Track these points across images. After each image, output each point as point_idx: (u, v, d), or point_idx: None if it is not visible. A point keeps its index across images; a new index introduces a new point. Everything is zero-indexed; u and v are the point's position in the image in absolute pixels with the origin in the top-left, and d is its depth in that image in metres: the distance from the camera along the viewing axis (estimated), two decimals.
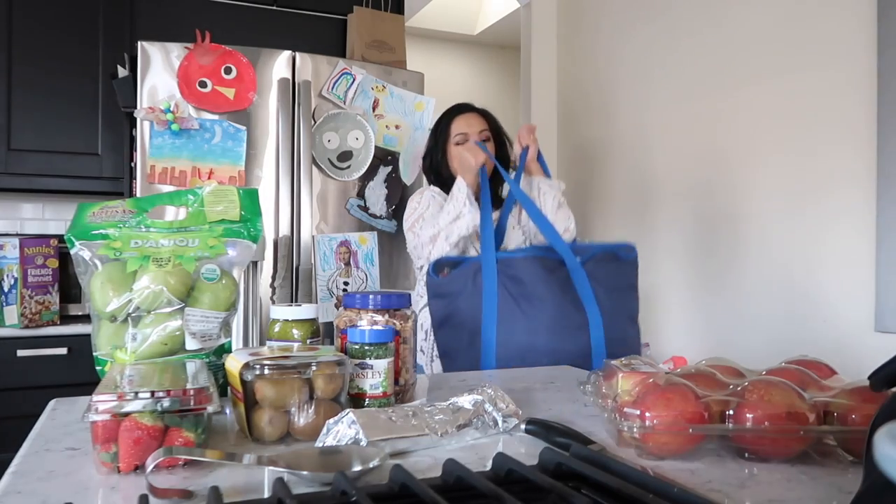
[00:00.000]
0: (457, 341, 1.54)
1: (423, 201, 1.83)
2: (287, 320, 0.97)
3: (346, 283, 2.33)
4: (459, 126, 1.82)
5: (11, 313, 2.21)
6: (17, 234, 2.51)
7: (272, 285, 2.22)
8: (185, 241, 0.97)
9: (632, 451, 0.73)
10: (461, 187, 1.69)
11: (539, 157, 1.78)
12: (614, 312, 1.55)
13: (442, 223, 1.69)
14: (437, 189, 1.87)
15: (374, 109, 2.39)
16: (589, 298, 1.53)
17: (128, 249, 0.94)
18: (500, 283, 1.51)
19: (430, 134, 1.94)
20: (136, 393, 0.68)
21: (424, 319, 1.72)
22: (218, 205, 1.01)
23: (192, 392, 0.70)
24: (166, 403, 0.68)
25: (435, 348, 1.64)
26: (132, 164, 2.31)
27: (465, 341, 1.53)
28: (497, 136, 1.89)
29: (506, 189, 1.87)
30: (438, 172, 1.88)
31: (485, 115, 1.88)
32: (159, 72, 2.14)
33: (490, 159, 1.74)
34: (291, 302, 2.24)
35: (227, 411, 0.89)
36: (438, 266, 1.60)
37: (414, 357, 1.04)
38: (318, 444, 0.73)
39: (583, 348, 1.50)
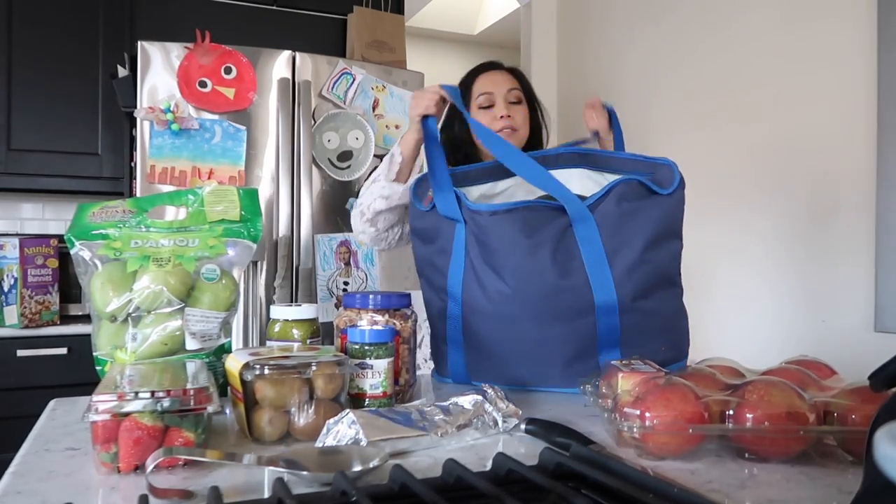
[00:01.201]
0: (435, 301, 1.16)
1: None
2: (287, 320, 0.97)
3: (346, 283, 2.33)
4: (483, 85, 1.44)
5: (11, 313, 2.21)
6: (17, 234, 2.51)
7: (272, 285, 2.22)
8: (185, 241, 0.97)
9: (632, 452, 0.73)
10: (395, 146, 1.35)
11: (613, 123, 1.33)
12: (643, 283, 1.03)
13: (363, 190, 1.38)
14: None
15: (374, 109, 2.39)
16: (599, 263, 1.01)
17: (128, 249, 0.94)
18: (467, 243, 1.08)
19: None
20: (136, 393, 0.68)
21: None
22: (218, 205, 1.01)
23: (192, 392, 0.70)
24: (166, 403, 0.68)
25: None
26: (132, 164, 2.31)
27: (440, 307, 1.14)
28: (530, 101, 1.49)
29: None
30: (458, 147, 1.46)
31: (515, 73, 1.49)
32: (159, 72, 2.14)
33: (450, 98, 1.22)
34: (291, 302, 2.25)
35: (228, 411, 0.89)
36: (420, 188, 1.20)
37: (414, 357, 1.04)
38: (318, 444, 0.73)
39: (586, 341, 1.03)
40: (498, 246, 1.03)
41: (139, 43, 2.15)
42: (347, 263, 2.33)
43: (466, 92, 1.45)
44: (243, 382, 0.77)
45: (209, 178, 2.16)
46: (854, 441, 0.70)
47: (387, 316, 0.98)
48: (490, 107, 1.40)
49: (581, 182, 1.15)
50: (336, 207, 2.33)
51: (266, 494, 0.62)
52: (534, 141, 1.50)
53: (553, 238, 1.02)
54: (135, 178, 2.17)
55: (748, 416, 0.69)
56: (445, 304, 1.11)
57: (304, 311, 0.98)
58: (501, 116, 1.38)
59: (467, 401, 0.82)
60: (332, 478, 0.57)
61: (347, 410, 0.74)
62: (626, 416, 0.72)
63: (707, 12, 2.34)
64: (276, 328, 0.97)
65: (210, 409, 0.71)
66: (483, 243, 1.05)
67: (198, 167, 2.15)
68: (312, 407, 0.79)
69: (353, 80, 2.34)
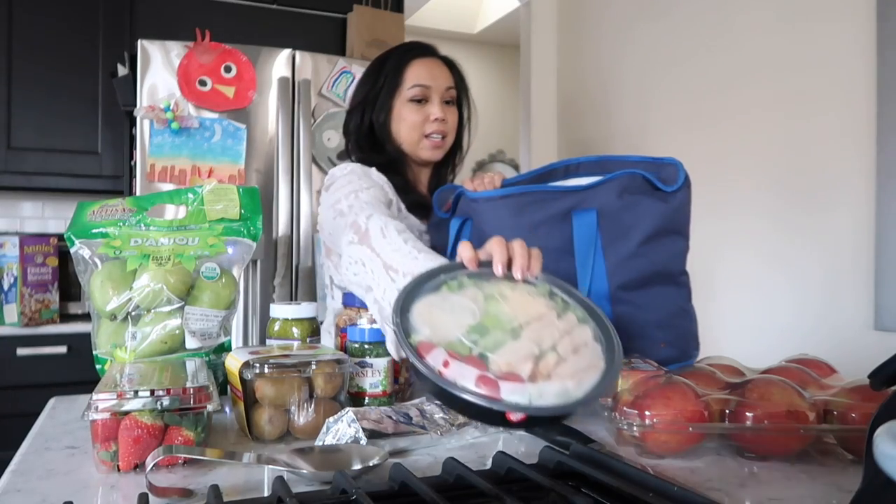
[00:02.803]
0: None
1: (348, 185, 1.13)
2: (287, 319, 0.97)
3: None
4: (419, 74, 1.21)
5: (11, 312, 2.21)
6: (16, 233, 2.51)
7: (272, 284, 2.22)
8: (185, 240, 0.96)
9: (632, 450, 0.73)
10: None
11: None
12: (636, 275, 0.99)
13: (382, 250, 0.91)
14: (371, 171, 1.19)
15: None
16: (593, 251, 0.98)
17: (127, 248, 0.94)
18: (470, 237, 1.05)
19: (366, 77, 1.28)
20: (136, 391, 0.68)
21: None
22: (218, 203, 1.00)
23: (191, 391, 0.70)
24: (166, 402, 0.68)
25: None
26: (132, 163, 2.31)
27: None
28: (460, 101, 1.32)
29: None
30: (375, 140, 1.24)
31: (453, 68, 1.30)
32: (159, 70, 2.14)
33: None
34: (291, 300, 2.24)
35: (227, 410, 0.90)
36: (442, 198, 1.12)
37: None
38: (318, 442, 0.73)
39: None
40: (491, 231, 1.01)
41: (139, 41, 2.14)
42: None
43: (395, 74, 1.24)
44: (243, 381, 0.77)
45: (209, 176, 2.16)
46: (854, 439, 0.70)
47: None
48: (422, 101, 1.21)
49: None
50: None
51: (266, 493, 0.62)
52: (455, 149, 1.32)
53: (547, 223, 0.99)
54: (135, 177, 2.17)
55: (748, 414, 0.69)
56: None
57: (304, 309, 0.97)
58: (435, 119, 1.22)
59: None
60: (331, 476, 0.57)
61: (347, 409, 0.74)
62: (625, 415, 0.72)
63: (707, 11, 2.34)
64: (276, 327, 0.97)
65: (210, 407, 0.71)
66: (480, 231, 1.03)
67: (197, 166, 2.15)
68: (312, 405, 0.79)
69: (353, 78, 2.34)
